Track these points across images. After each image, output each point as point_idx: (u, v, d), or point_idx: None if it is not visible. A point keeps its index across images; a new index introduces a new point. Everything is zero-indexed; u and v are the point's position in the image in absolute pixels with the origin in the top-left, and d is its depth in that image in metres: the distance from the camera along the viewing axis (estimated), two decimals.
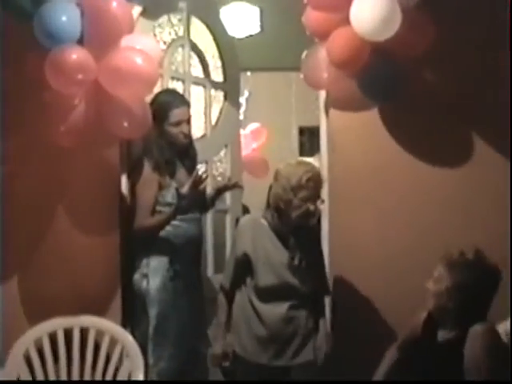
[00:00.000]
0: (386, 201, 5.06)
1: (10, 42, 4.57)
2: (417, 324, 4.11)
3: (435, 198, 5.04)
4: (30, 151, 4.78)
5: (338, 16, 4.60)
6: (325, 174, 5.06)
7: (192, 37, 5.70)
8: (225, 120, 5.95)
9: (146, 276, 4.92)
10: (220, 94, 5.99)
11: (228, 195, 5.70)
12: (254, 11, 7.21)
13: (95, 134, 4.59)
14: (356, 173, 5.07)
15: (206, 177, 4.88)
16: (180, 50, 5.62)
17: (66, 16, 4.34)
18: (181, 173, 5.03)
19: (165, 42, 5.53)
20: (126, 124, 4.60)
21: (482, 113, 5.01)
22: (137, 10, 4.81)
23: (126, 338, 4.75)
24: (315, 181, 4.58)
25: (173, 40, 5.60)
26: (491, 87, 4.98)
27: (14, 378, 4.57)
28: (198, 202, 4.94)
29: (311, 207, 4.59)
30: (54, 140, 4.57)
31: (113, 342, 4.72)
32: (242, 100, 7.72)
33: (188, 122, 5.07)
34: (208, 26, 5.90)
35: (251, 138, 7.93)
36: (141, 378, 4.64)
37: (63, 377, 4.69)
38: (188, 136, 5.08)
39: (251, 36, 7.29)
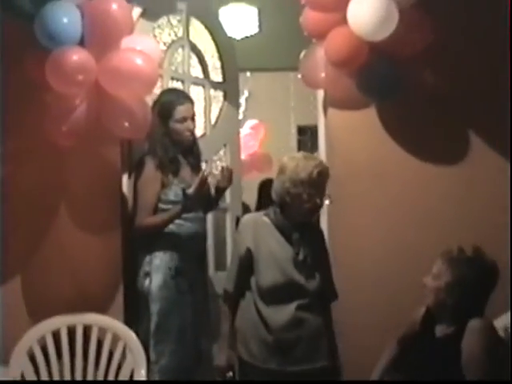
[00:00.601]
0: (385, 198, 5.06)
1: (10, 43, 4.57)
2: (415, 319, 4.14)
3: (433, 195, 5.04)
4: (32, 151, 4.79)
5: (335, 16, 4.60)
6: None
7: (191, 38, 5.71)
8: (224, 120, 5.96)
9: (148, 274, 4.91)
10: (219, 94, 6.00)
11: (228, 194, 5.67)
12: (252, 12, 7.22)
13: (96, 134, 4.61)
14: (354, 171, 5.06)
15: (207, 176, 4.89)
16: (180, 50, 5.63)
17: (66, 18, 4.36)
18: (185, 171, 5.04)
19: (164, 43, 5.54)
20: (126, 124, 4.62)
21: (479, 111, 5.02)
22: (136, 11, 4.82)
23: (129, 335, 4.76)
24: (324, 175, 4.48)
25: (172, 41, 5.60)
26: (489, 86, 4.99)
27: (18, 376, 4.59)
28: (202, 201, 4.93)
29: (318, 202, 4.53)
30: (55, 140, 4.59)
31: (115, 339, 4.74)
32: (241, 100, 7.73)
33: (192, 118, 5.08)
34: (207, 27, 5.91)
35: (252, 135, 7.94)
36: (143, 374, 4.65)
37: (67, 374, 4.71)
38: (193, 133, 5.09)
39: (250, 37, 7.29)
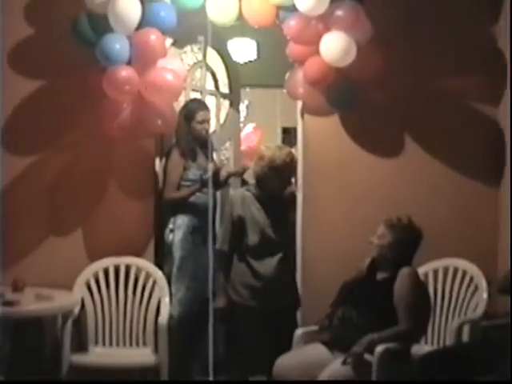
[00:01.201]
0: (346, 183, 4.99)
1: (79, 62, 4.58)
2: (363, 267, 4.23)
3: (379, 180, 4.98)
4: (92, 141, 4.81)
5: (311, 48, 4.57)
6: (300, 164, 5.00)
7: (208, 61, 5.68)
8: (229, 121, 5.94)
9: (172, 230, 4.96)
10: (227, 102, 5.99)
11: None
12: (252, 44, 7.18)
13: (137, 129, 4.63)
14: (323, 162, 4.98)
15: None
16: (199, 70, 5.61)
17: (118, 45, 4.40)
18: (200, 158, 5.05)
19: (188, 64, 5.54)
20: (159, 122, 4.65)
21: (413, 118, 4.99)
22: (169, 41, 4.81)
23: (157, 273, 4.77)
24: (294, 161, 4.59)
25: (194, 63, 5.60)
26: (421, 101, 4.98)
27: (79, 300, 4.60)
28: (215, 181, 4.91)
29: (289, 181, 4.62)
30: (108, 133, 4.64)
31: (148, 275, 4.76)
32: (243, 107, 7.76)
33: (208, 121, 5.12)
34: (219, 54, 5.91)
35: (253, 133, 7.99)
36: (167, 301, 4.65)
37: (113, 300, 4.73)
38: (208, 131, 5.12)
39: (250, 61, 7.28)
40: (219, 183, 5.12)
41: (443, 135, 5.01)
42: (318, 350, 4.10)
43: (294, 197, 4.88)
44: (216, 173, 4.92)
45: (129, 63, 4.46)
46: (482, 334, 4.13)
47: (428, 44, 4.96)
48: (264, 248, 4.51)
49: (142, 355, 4.63)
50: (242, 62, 6.95)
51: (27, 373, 4.57)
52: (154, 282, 4.75)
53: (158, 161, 5.01)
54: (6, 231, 4.71)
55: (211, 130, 5.36)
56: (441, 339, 4.61)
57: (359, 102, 4.77)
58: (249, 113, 8.44)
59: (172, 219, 5.00)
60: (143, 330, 4.71)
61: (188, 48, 5.59)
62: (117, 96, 4.52)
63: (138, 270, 4.78)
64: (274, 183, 4.52)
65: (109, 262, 4.78)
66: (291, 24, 4.53)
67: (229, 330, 4.19)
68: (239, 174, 5.52)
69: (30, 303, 4.15)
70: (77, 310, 4.58)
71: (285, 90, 4.95)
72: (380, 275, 4.17)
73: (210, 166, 4.82)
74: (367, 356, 3.85)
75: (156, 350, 4.56)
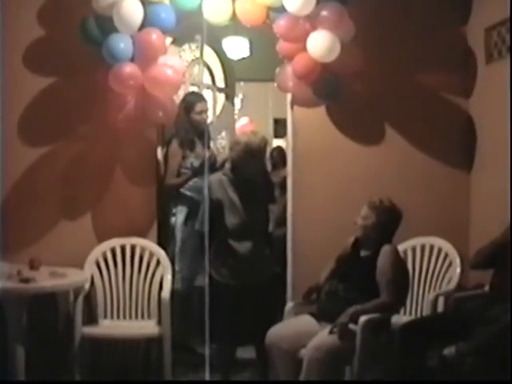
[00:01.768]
0: (332, 168, 4.97)
1: (86, 60, 4.58)
2: (347, 244, 4.24)
3: (363, 166, 4.97)
4: (100, 132, 4.79)
5: (299, 45, 4.57)
6: (290, 151, 5.02)
7: (204, 58, 5.72)
8: (225, 112, 6.00)
9: (174, 214, 4.99)
10: (222, 96, 6.05)
11: None
12: (245, 42, 7.16)
13: (140, 120, 4.62)
14: (311, 149, 4.96)
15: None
16: (197, 66, 5.67)
17: (123, 43, 4.41)
18: (198, 147, 5.03)
19: (187, 61, 5.60)
20: (160, 114, 4.64)
21: (393, 109, 5.00)
22: (168, 40, 4.78)
23: (160, 252, 4.78)
24: (266, 146, 4.53)
25: (192, 60, 5.69)
26: (399, 96, 4.98)
27: (89, 277, 4.61)
28: (211, 167, 4.80)
29: (263, 165, 4.55)
30: (113, 123, 4.63)
31: (151, 254, 4.76)
32: (237, 100, 7.77)
33: (206, 112, 5.09)
34: (215, 51, 5.97)
35: (248, 123, 8.00)
36: (169, 278, 4.64)
37: (119, 277, 4.73)
38: (206, 122, 5.11)
39: (243, 58, 7.25)
40: (215, 170, 5.05)
41: (420, 125, 5.02)
42: (306, 321, 4.12)
43: (268, 180, 4.78)
44: (212, 159, 4.87)
45: (132, 60, 4.46)
46: (454, 304, 4.14)
47: (405, 42, 4.97)
48: (241, 229, 4.41)
49: (146, 327, 4.63)
50: (236, 59, 6.94)
51: (43, 343, 4.60)
52: (158, 261, 4.74)
53: (159, 149, 4.99)
54: (23, 216, 4.75)
55: (209, 120, 5.35)
56: (418, 310, 4.63)
57: (343, 94, 4.76)
58: (243, 105, 8.44)
59: (174, 204, 5.01)
60: (147, 304, 4.71)
61: (186, 46, 5.67)
62: (121, 90, 4.50)
63: (143, 250, 4.77)
64: (249, 167, 4.42)
65: (116, 242, 4.77)
66: (281, 23, 4.54)
67: (212, 307, 4.14)
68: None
69: (44, 280, 4.17)
70: (87, 286, 4.59)
71: (275, 84, 4.94)
72: (363, 252, 4.18)
73: (207, 154, 4.77)
74: (352, 326, 3.87)
75: (159, 322, 4.57)
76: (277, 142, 8.79)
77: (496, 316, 3.55)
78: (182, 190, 5.00)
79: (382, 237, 4.11)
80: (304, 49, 4.56)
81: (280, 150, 7.64)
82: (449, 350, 3.49)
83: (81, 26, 4.47)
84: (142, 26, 4.44)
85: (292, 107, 5.01)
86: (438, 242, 4.70)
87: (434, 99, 5.03)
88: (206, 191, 4.40)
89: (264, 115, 9.05)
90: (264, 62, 5.64)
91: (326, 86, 4.71)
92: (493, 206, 4.66)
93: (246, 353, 4.68)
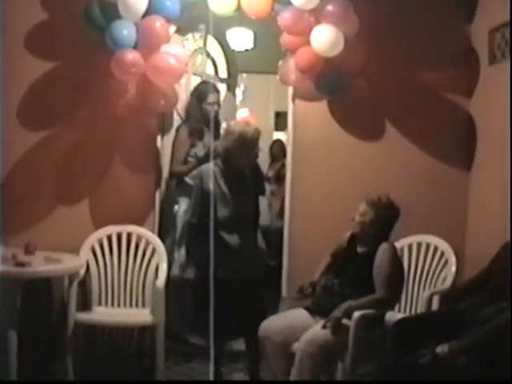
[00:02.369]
0: (331, 161, 4.99)
1: (89, 46, 4.53)
2: (343, 240, 4.23)
3: (363, 161, 4.99)
4: (100, 118, 4.77)
5: (302, 38, 4.57)
6: (290, 145, 5.03)
7: (208, 48, 5.71)
8: (227, 103, 5.93)
9: (177, 202, 5.02)
10: (224, 86, 6.02)
11: None
12: (249, 33, 7.13)
13: (142, 108, 4.59)
14: (311, 142, 4.97)
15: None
16: (199, 56, 5.64)
17: (126, 30, 4.38)
18: (207, 137, 5.04)
19: (190, 51, 5.53)
20: (161, 102, 4.62)
21: (393, 105, 4.99)
22: (172, 28, 4.78)
23: (156, 241, 4.76)
24: (259, 136, 4.45)
25: (195, 49, 5.61)
26: (401, 89, 4.98)
27: (85, 263, 4.58)
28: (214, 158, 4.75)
29: (255, 155, 4.49)
30: (114, 111, 4.60)
31: (147, 243, 4.75)
32: (239, 91, 7.75)
33: (218, 103, 5.12)
34: (218, 42, 5.93)
35: (248, 117, 7.98)
36: (164, 267, 4.62)
37: (115, 264, 4.71)
38: (216, 112, 5.11)
39: (247, 50, 7.21)
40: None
41: (420, 122, 5.02)
42: (300, 315, 4.11)
43: (258, 171, 4.73)
44: (217, 150, 4.78)
45: (135, 47, 4.43)
46: (449, 303, 4.13)
47: (409, 40, 4.96)
48: (232, 221, 4.36)
49: (140, 315, 4.61)
50: (239, 50, 6.92)
51: (36, 328, 4.59)
52: (153, 249, 4.73)
53: (159, 138, 4.97)
54: (20, 200, 4.73)
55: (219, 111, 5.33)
56: (413, 308, 4.62)
57: (345, 90, 4.76)
58: (245, 97, 8.42)
59: (178, 192, 5.04)
60: (142, 293, 4.70)
61: (190, 35, 5.58)
62: (123, 77, 4.48)
63: (139, 238, 4.76)
64: (241, 156, 4.38)
65: (112, 229, 4.75)
66: (285, 16, 4.53)
67: (201, 300, 4.10)
68: None
69: (39, 265, 4.15)
70: (82, 272, 4.56)
71: (278, 77, 4.93)
72: (360, 248, 4.16)
73: (212, 144, 4.69)
74: (345, 321, 3.86)
75: (153, 310, 4.56)
76: (278, 136, 8.78)
77: (489, 315, 3.53)
78: (186, 178, 5.02)
79: (380, 233, 4.09)
80: (307, 42, 4.55)
81: (280, 143, 7.66)
82: (441, 349, 3.47)
83: (85, 12, 4.44)
84: (147, 14, 4.42)
85: (293, 101, 5.01)
86: (434, 240, 4.68)
87: (436, 97, 5.03)
88: (211, 182, 4.34)
89: (265, 108, 9.04)
90: (267, 55, 5.65)
91: (328, 80, 4.70)
92: (491, 207, 4.66)
93: (240, 345, 4.66)
